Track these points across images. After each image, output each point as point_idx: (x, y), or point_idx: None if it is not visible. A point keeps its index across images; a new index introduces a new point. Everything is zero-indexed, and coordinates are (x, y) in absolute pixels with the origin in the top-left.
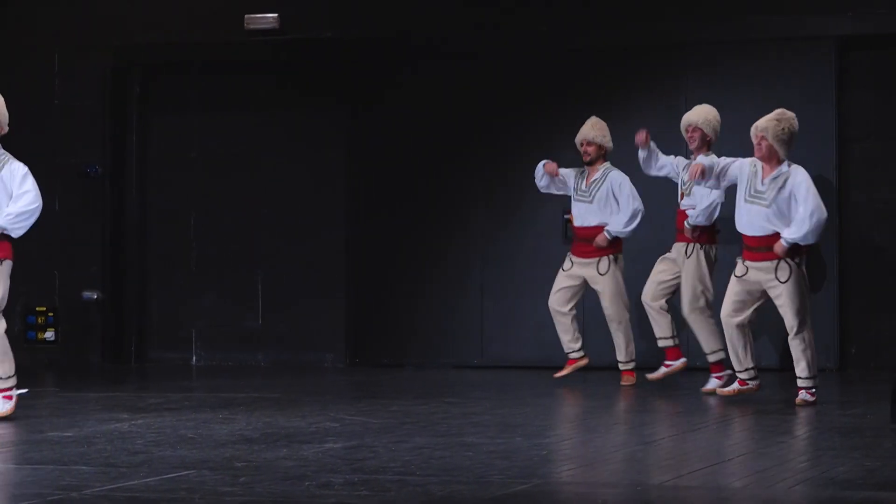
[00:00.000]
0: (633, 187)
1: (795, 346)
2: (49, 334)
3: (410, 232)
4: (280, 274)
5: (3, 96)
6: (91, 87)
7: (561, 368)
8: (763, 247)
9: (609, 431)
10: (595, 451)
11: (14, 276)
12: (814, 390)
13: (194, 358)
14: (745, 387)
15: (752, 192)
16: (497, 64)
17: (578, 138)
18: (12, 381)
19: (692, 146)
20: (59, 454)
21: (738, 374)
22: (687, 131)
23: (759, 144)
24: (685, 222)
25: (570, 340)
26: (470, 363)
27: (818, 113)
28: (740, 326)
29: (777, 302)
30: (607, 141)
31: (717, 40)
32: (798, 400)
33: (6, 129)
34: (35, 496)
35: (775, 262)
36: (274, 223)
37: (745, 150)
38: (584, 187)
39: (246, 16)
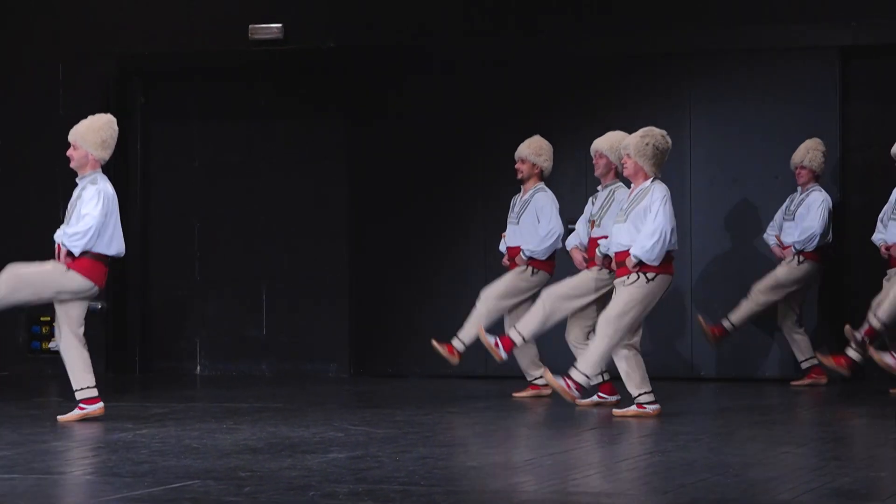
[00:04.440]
0: (553, 208)
1: (591, 341)
2: (53, 344)
3: (413, 242)
4: (283, 284)
5: (8, 107)
6: (94, 97)
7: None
8: (622, 262)
9: (612, 442)
10: (599, 461)
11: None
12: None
13: (198, 368)
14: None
15: (619, 212)
16: (499, 73)
17: (515, 154)
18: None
19: (596, 172)
20: (63, 464)
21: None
22: (593, 157)
23: (625, 162)
24: (596, 251)
25: (528, 365)
26: (473, 374)
27: (821, 121)
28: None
29: (612, 300)
30: (542, 161)
31: (721, 49)
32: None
33: (97, 153)
34: None
35: (627, 276)
36: (277, 233)
37: (749, 158)
38: (516, 209)
39: (250, 26)
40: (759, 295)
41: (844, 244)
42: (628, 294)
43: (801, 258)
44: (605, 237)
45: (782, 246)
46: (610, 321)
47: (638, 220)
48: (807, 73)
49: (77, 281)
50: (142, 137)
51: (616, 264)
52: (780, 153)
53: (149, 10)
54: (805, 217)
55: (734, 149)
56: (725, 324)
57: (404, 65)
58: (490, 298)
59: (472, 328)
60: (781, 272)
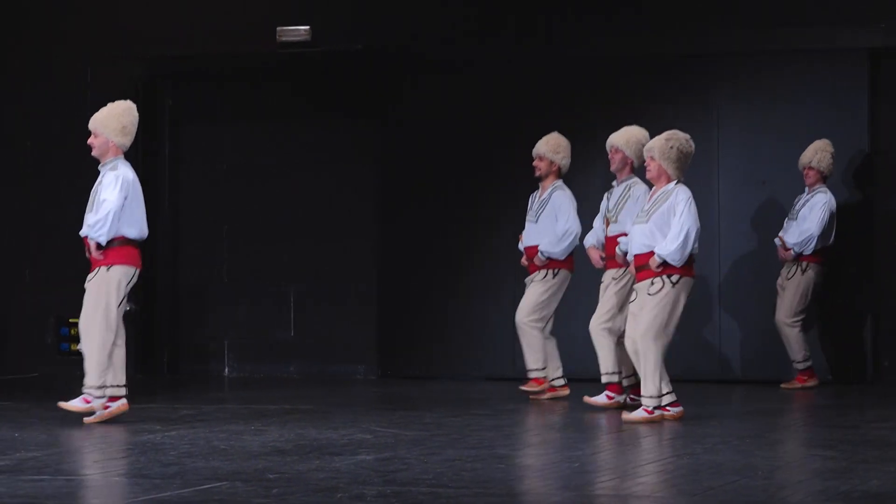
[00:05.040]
0: (572, 207)
1: (635, 356)
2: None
3: (441, 243)
4: (311, 286)
5: (38, 109)
6: (123, 99)
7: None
8: (644, 265)
9: (640, 444)
10: (627, 463)
11: (47, 288)
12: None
13: (226, 370)
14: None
15: (639, 213)
16: (524, 74)
17: (533, 151)
18: (98, 392)
19: (612, 167)
20: (91, 466)
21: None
22: (609, 152)
23: (649, 165)
24: (616, 249)
25: (532, 361)
26: (502, 375)
27: (850, 124)
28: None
29: (641, 310)
30: (560, 158)
31: (750, 51)
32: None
33: (118, 140)
34: None
35: (650, 280)
36: (304, 235)
37: (777, 160)
38: (534, 207)
39: (278, 28)
40: (788, 317)
41: (873, 247)
42: (655, 303)
43: (805, 264)
44: (623, 234)
45: (785, 248)
46: (647, 336)
47: (661, 222)
48: (835, 75)
49: (119, 272)
50: (170, 140)
51: (636, 267)
52: None
53: (177, 13)
54: (806, 218)
55: (762, 151)
56: (799, 367)
57: (430, 66)
58: (526, 321)
59: (533, 357)
60: (792, 287)
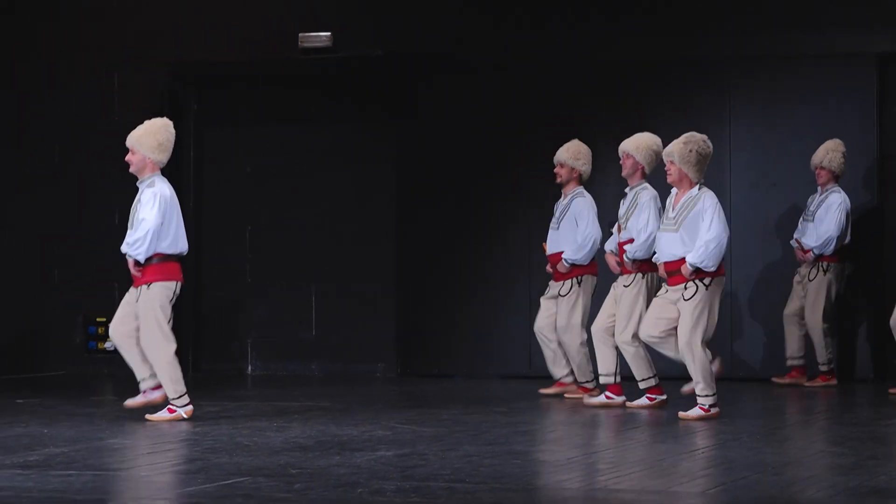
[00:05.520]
0: (591, 213)
1: (686, 361)
2: (109, 344)
3: (458, 245)
4: (332, 286)
5: (66, 113)
6: (149, 104)
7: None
8: (675, 271)
9: (653, 441)
10: (641, 459)
11: (75, 288)
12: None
13: (249, 368)
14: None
15: (664, 220)
16: (539, 77)
17: (554, 158)
18: (182, 401)
19: (623, 172)
20: (118, 461)
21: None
22: (620, 157)
23: (669, 169)
24: (624, 256)
25: (556, 367)
26: (517, 374)
27: (860, 128)
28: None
29: (680, 317)
30: (581, 165)
31: (761, 55)
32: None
33: (155, 157)
34: (95, 502)
35: (684, 285)
36: (325, 236)
37: (788, 162)
38: (556, 214)
39: (299, 34)
40: (815, 318)
41: (883, 248)
42: (692, 308)
43: (826, 265)
44: (631, 241)
45: (803, 249)
46: (688, 341)
47: (691, 229)
48: (845, 79)
49: (158, 289)
50: (195, 143)
51: (668, 273)
52: None
53: (202, 20)
54: (823, 220)
55: (773, 153)
56: (823, 368)
57: (447, 70)
58: (571, 339)
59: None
60: (814, 288)
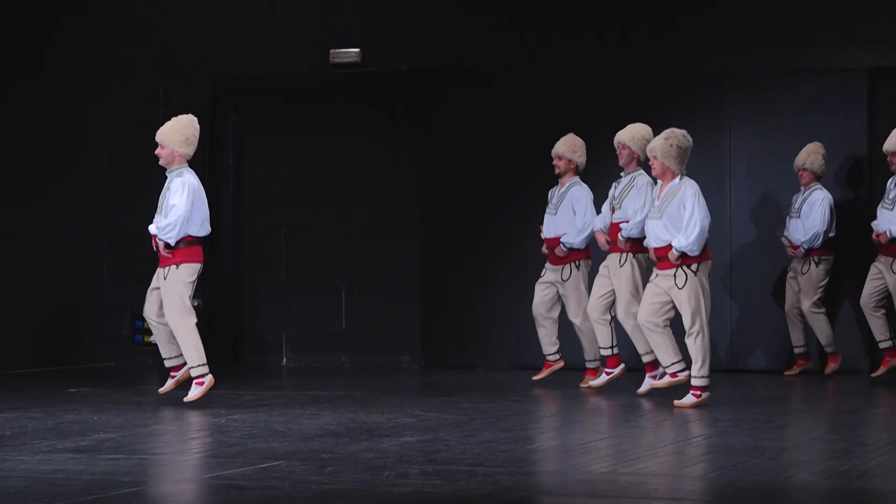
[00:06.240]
0: (589, 201)
1: (689, 346)
2: (153, 338)
3: (477, 244)
4: (361, 283)
5: (115, 125)
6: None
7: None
8: (664, 256)
9: (657, 428)
10: (647, 445)
11: (122, 285)
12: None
13: (284, 360)
14: (675, 378)
15: (652, 209)
16: (551, 91)
17: (552, 151)
18: (203, 370)
19: (620, 161)
20: (163, 446)
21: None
22: (617, 148)
23: (653, 163)
24: (619, 235)
25: (548, 344)
26: (532, 365)
27: (849, 137)
28: (662, 325)
29: (679, 308)
30: (577, 157)
31: (759, 70)
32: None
33: (182, 150)
34: (139, 483)
35: (674, 270)
36: (355, 237)
37: (784, 169)
38: (554, 200)
39: (331, 50)
40: (812, 308)
41: (872, 244)
42: (688, 295)
43: (817, 258)
44: (626, 221)
45: (793, 245)
46: (693, 324)
47: (674, 216)
48: (837, 93)
49: (186, 269)
50: (234, 152)
51: (657, 258)
52: None
53: (240, 37)
54: (809, 216)
55: (770, 160)
56: (829, 350)
57: (467, 84)
58: (584, 324)
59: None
60: (809, 280)
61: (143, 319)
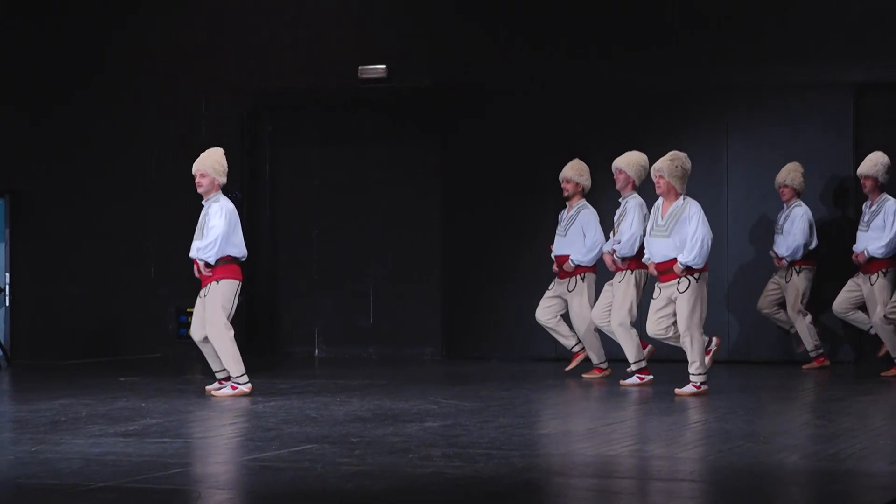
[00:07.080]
0: (597, 223)
1: (685, 347)
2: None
3: (494, 244)
4: (387, 280)
5: (160, 139)
6: (231, 127)
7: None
8: (667, 270)
9: (660, 414)
10: (651, 430)
11: (168, 283)
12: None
13: (316, 351)
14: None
15: (654, 227)
16: (566, 103)
17: (560, 176)
18: (243, 379)
19: (617, 186)
20: (205, 430)
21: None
22: (614, 173)
23: (658, 182)
24: (614, 256)
25: (567, 340)
26: (544, 357)
27: (838, 151)
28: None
29: (677, 309)
30: (584, 180)
31: (754, 85)
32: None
33: (221, 179)
34: (183, 465)
35: (677, 279)
36: (381, 238)
37: (775, 177)
38: (564, 222)
39: (359, 67)
40: (795, 313)
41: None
42: (687, 299)
43: (798, 268)
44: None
45: (778, 258)
46: (688, 326)
47: (682, 233)
48: (826, 106)
49: (227, 285)
50: (270, 160)
51: (659, 272)
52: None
53: (276, 54)
54: (790, 231)
55: (765, 170)
56: (813, 354)
57: (485, 98)
58: (589, 327)
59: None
60: (792, 288)
61: (187, 314)
